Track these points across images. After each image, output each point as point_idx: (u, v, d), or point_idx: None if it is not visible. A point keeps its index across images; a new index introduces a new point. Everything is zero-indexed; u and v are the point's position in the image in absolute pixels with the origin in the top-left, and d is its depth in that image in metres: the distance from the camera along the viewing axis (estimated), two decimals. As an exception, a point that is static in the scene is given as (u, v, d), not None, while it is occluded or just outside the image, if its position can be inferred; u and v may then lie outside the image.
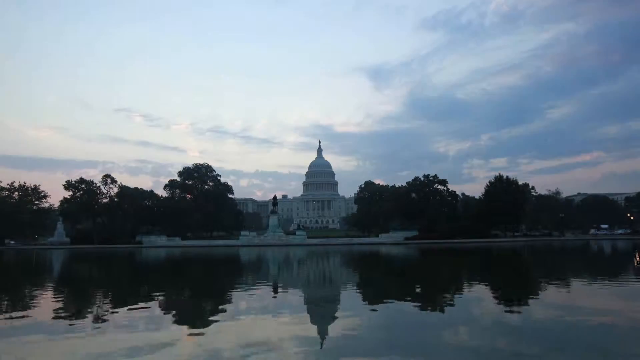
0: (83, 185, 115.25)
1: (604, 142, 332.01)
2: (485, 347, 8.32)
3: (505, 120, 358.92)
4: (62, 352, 8.37)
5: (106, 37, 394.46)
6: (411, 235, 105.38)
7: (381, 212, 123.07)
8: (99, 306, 14.78)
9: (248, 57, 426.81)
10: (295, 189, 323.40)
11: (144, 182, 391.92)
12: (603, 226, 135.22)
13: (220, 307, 13.84)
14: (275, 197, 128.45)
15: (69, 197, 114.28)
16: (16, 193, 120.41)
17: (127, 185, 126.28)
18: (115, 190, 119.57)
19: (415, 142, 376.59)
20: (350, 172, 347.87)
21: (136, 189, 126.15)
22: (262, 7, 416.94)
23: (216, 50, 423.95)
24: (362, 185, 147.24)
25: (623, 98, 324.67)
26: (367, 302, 14.93)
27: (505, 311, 12.55)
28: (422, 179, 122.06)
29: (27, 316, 12.49)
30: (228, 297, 16.45)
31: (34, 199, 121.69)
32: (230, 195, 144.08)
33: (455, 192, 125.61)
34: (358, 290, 18.73)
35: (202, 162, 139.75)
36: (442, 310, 12.97)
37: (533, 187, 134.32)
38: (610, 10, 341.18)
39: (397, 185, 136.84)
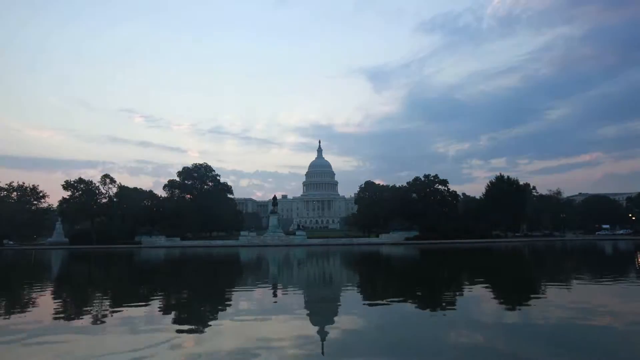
0: (82, 185, 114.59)
1: (603, 143, 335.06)
2: (485, 348, 8.28)
3: (504, 121, 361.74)
4: (61, 353, 8.29)
5: (107, 38, 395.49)
6: (412, 235, 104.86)
7: (381, 213, 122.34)
8: (97, 307, 14.70)
9: (249, 58, 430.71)
10: (295, 189, 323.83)
11: (144, 183, 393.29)
12: (604, 226, 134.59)
13: (219, 308, 13.78)
14: (275, 197, 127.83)
15: (67, 197, 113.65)
16: (15, 193, 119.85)
17: (127, 185, 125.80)
18: (114, 190, 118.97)
19: (414, 142, 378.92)
20: (350, 173, 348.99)
21: (135, 189, 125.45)
22: (263, 8, 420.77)
23: (217, 51, 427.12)
24: (363, 186, 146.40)
25: (621, 99, 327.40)
26: (367, 303, 14.87)
27: (508, 312, 12.40)
28: (423, 179, 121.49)
29: (26, 316, 12.47)
30: (228, 298, 16.31)
31: (32, 199, 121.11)
32: (229, 195, 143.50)
33: (455, 192, 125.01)
34: (358, 291, 18.63)
35: (201, 162, 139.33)
36: (443, 311, 12.84)
37: (534, 187, 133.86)
38: (605, 15, 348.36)
39: (397, 186, 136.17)
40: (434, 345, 8.62)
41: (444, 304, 14.12)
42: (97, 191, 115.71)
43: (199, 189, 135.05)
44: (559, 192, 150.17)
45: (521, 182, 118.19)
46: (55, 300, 16.53)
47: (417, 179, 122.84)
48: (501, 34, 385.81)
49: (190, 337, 9.68)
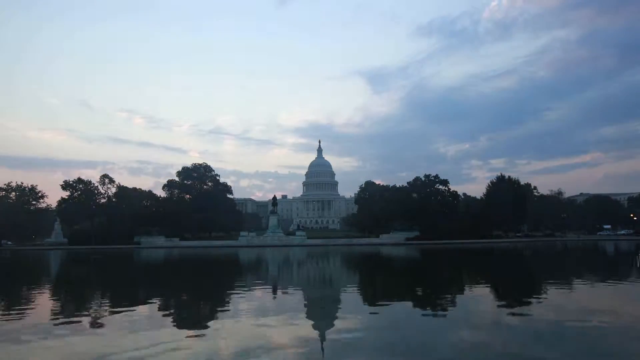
0: (81, 186, 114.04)
1: (602, 143, 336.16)
2: (485, 349, 8.28)
3: (503, 121, 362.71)
4: (62, 353, 8.27)
5: (108, 38, 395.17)
6: (412, 235, 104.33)
7: (382, 213, 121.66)
8: (96, 308, 14.71)
9: (249, 60, 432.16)
10: (295, 190, 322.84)
11: (144, 183, 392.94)
12: (606, 227, 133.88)
13: (219, 309, 13.67)
14: (274, 197, 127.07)
15: (66, 197, 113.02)
16: (13, 193, 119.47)
17: (127, 185, 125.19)
18: (114, 190, 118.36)
19: (414, 143, 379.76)
20: (350, 173, 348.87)
21: (134, 189, 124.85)
22: (264, 11, 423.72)
23: (217, 52, 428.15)
24: (363, 186, 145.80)
25: (619, 100, 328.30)
26: (367, 304, 14.92)
27: (508, 312, 12.38)
28: (423, 179, 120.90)
29: (24, 317, 12.40)
30: (227, 299, 16.20)
31: (31, 199, 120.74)
32: (229, 196, 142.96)
33: (456, 192, 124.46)
34: (358, 292, 18.63)
35: (200, 162, 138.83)
36: (443, 312, 12.81)
37: (535, 187, 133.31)
38: (600, 19, 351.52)
39: (397, 186, 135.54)
40: (434, 346, 8.63)
41: (444, 305, 14.06)
42: (96, 191, 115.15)
43: (199, 189, 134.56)
44: (560, 192, 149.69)
45: (522, 183, 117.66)
46: (53, 301, 16.44)
47: (417, 179, 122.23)
48: (498, 37, 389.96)
49: (190, 337, 9.62)
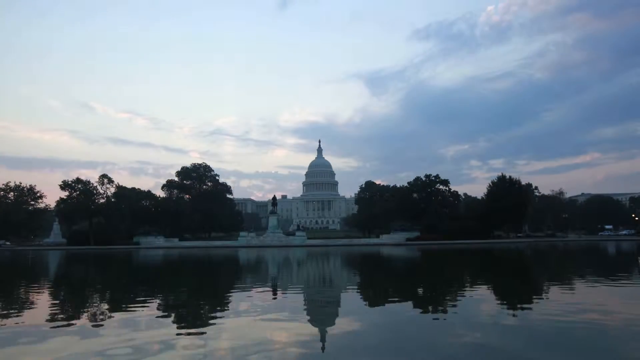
0: (79, 185, 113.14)
1: (600, 144, 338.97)
2: (485, 349, 8.29)
3: (501, 122, 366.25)
4: (61, 353, 8.23)
5: (109, 40, 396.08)
6: (413, 236, 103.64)
7: (382, 213, 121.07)
8: (95, 308, 14.67)
9: (250, 62, 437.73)
10: (295, 190, 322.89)
11: (145, 184, 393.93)
12: (607, 227, 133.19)
13: (218, 309, 13.76)
14: (274, 198, 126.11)
15: (65, 197, 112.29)
16: (11, 193, 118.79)
17: (127, 186, 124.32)
18: (113, 190, 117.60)
19: (413, 144, 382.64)
20: (350, 173, 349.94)
21: (133, 189, 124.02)
22: (264, 15, 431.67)
23: (218, 54, 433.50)
24: (363, 186, 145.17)
25: (617, 101, 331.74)
26: (367, 304, 14.98)
27: (508, 313, 12.39)
28: (424, 178, 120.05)
29: (22, 318, 12.45)
30: (227, 299, 16.20)
31: (29, 199, 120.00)
32: (229, 196, 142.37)
33: (457, 192, 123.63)
34: (358, 293, 18.58)
35: (200, 162, 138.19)
36: (443, 313, 12.77)
37: (536, 188, 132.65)
38: (595, 23, 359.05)
39: (398, 186, 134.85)
40: (433, 346, 8.64)
41: (444, 305, 14.06)
42: (94, 191, 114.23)
43: (198, 189, 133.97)
44: (561, 192, 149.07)
45: (523, 183, 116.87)
46: (52, 302, 16.42)
47: (418, 178, 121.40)
48: (495, 40, 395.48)
49: (190, 338, 9.62)
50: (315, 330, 10.39)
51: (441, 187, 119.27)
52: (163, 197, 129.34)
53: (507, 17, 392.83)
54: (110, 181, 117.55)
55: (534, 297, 15.67)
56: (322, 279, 25.48)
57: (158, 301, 16.03)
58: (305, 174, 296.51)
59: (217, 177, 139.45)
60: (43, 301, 16.29)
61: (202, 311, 13.92)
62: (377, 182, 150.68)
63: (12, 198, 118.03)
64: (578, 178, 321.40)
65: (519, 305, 13.66)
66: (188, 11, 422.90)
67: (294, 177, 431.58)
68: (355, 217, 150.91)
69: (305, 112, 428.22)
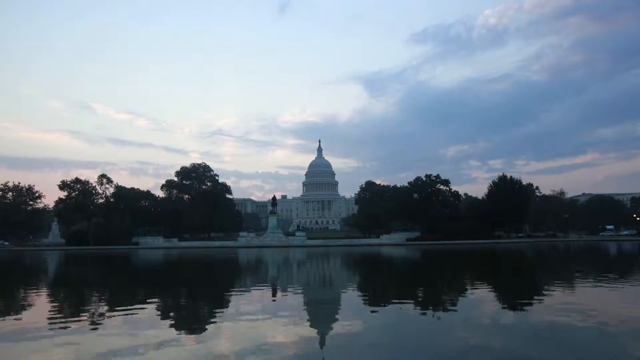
0: (78, 186, 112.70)
1: (600, 144, 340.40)
2: (485, 349, 8.28)
3: (500, 123, 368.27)
4: (61, 354, 8.20)
5: (110, 41, 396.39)
6: (413, 236, 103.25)
7: (382, 213, 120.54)
8: (94, 309, 14.56)
9: (251, 64, 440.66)
10: (295, 190, 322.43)
11: (145, 184, 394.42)
12: (608, 227, 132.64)
13: (218, 310, 13.72)
14: (274, 198, 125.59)
15: (64, 197, 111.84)
16: (10, 193, 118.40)
17: (127, 186, 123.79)
18: (112, 190, 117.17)
19: (413, 145, 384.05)
20: (350, 174, 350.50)
21: (133, 189, 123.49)
22: (264, 17, 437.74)
23: (219, 56, 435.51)
24: (363, 186, 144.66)
25: (615, 102, 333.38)
26: (367, 305, 14.89)
27: (508, 314, 12.36)
28: (424, 178, 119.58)
29: (21, 318, 12.49)
30: (226, 300, 16.14)
31: (28, 200, 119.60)
32: (228, 196, 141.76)
33: (457, 192, 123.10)
34: (358, 293, 18.52)
35: (199, 162, 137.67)
36: (443, 313, 12.72)
37: (537, 188, 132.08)
38: (591, 26, 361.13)
39: (398, 186, 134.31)
40: (433, 346, 8.62)
41: (444, 306, 14.02)
42: (93, 191, 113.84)
43: (197, 189, 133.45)
44: (562, 193, 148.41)
45: (524, 183, 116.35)
46: (52, 302, 16.39)
47: (418, 178, 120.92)
48: (492, 43, 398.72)
49: (190, 338, 9.63)
50: (314, 330, 10.34)
51: (441, 187, 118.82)
52: (162, 197, 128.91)
53: (503, 21, 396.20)
54: (109, 181, 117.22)
55: (534, 297, 15.65)
56: (322, 279, 25.33)
57: (157, 302, 15.93)
58: (305, 174, 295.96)
59: (216, 177, 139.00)
60: (42, 302, 16.21)
61: (201, 311, 13.83)
62: (377, 182, 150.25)
63: (10, 198, 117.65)
64: (578, 178, 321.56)
65: (519, 306, 13.59)
66: (189, 13, 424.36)
67: (294, 177, 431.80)
68: (356, 218, 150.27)
69: (305, 112, 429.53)
